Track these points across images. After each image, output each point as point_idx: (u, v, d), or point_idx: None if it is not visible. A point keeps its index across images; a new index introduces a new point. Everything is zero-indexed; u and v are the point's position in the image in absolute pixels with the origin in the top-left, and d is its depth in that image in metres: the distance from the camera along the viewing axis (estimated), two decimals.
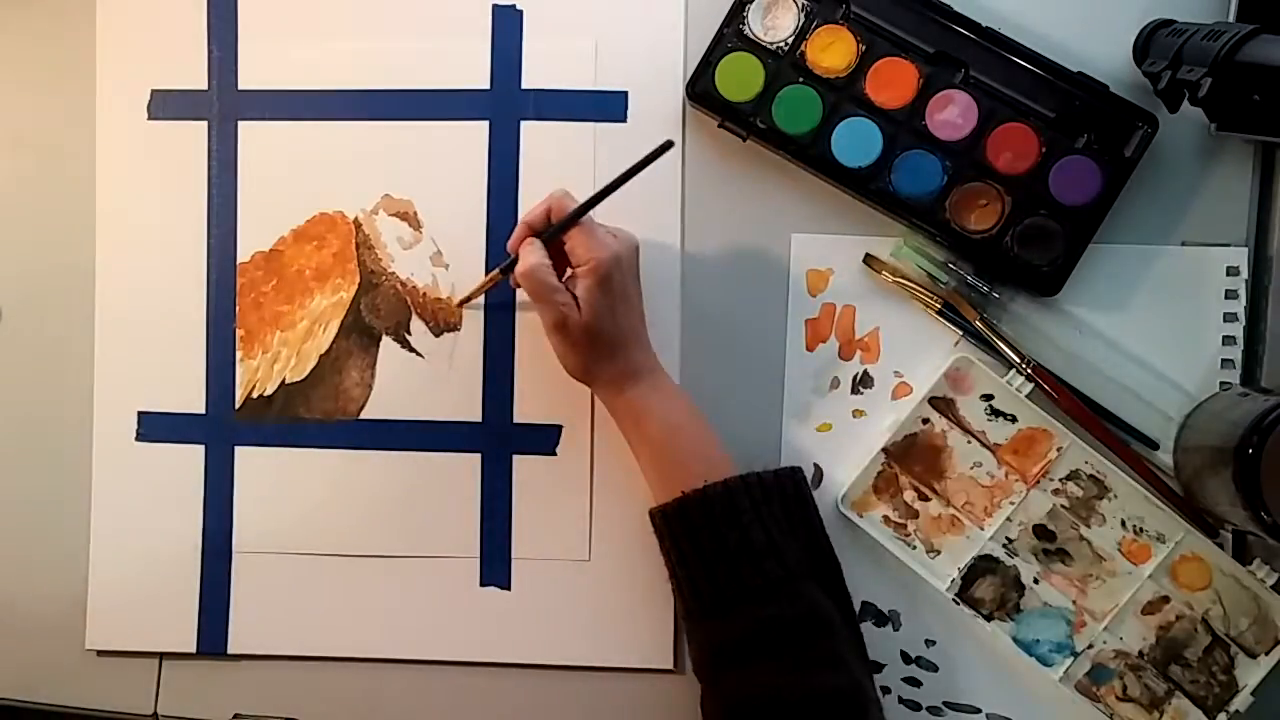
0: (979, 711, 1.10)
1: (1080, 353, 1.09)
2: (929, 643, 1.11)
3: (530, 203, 1.07)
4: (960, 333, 1.09)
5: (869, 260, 1.10)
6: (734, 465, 1.02)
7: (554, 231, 1.02)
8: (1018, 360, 1.07)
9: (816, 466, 1.12)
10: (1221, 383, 1.08)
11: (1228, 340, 1.08)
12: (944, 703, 1.10)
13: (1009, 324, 1.09)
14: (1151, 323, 1.09)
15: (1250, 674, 1.06)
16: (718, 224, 1.13)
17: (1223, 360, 1.08)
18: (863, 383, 1.11)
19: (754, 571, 0.96)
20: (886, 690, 1.11)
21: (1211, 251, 1.08)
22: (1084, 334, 1.09)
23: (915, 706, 1.10)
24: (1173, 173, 1.09)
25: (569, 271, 1.02)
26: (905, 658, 1.11)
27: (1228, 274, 1.08)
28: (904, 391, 1.11)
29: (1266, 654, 1.05)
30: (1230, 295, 1.08)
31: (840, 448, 1.12)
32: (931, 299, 1.09)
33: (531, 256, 1.01)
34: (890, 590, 1.10)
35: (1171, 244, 1.09)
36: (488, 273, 1.12)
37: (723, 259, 1.13)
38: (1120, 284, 1.09)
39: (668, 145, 1.00)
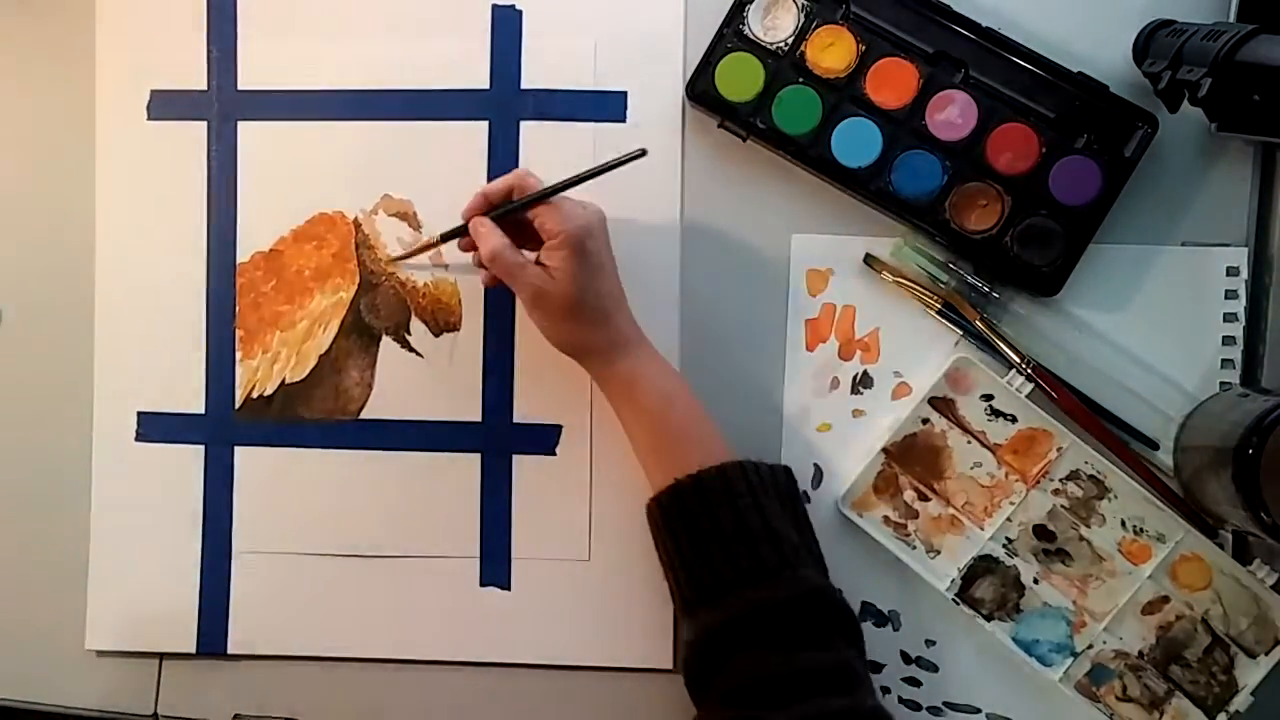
0: (979, 712, 1.10)
1: (1080, 353, 1.09)
2: (929, 643, 1.11)
3: None
4: (960, 333, 1.09)
5: (869, 260, 1.10)
6: (726, 443, 1.02)
7: (515, 208, 1.02)
8: (1018, 360, 1.07)
9: (816, 466, 1.12)
10: (1221, 383, 1.08)
11: (1228, 340, 1.08)
12: (944, 703, 1.10)
13: (1009, 324, 1.09)
14: (1151, 323, 1.09)
15: (1250, 674, 1.06)
16: (718, 224, 1.13)
17: (1223, 360, 1.08)
18: (862, 383, 1.11)
19: (749, 554, 0.96)
20: (886, 690, 1.11)
21: (1211, 251, 1.08)
22: (1084, 334, 1.09)
23: (915, 706, 1.10)
24: (1173, 173, 1.09)
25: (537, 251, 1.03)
26: (905, 658, 1.11)
27: (1228, 274, 1.08)
28: (904, 392, 1.11)
29: (1266, 654, 1.05)
30: (1230, 295, 1.08)
31: (840, 448, 1.12)
32: (931, 299, 1.09)
33: (492, 238, 1.02)
34: (890, 590, 1.10)
35: (1171, 244, 1.09)
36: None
37: (723, 259, 1.13)
38: (1120, 284, 1.09)
39: (640, 153, 1.01)
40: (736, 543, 0.97)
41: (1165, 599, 1.07)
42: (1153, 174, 1.08)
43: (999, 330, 1.08)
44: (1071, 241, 1.07)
